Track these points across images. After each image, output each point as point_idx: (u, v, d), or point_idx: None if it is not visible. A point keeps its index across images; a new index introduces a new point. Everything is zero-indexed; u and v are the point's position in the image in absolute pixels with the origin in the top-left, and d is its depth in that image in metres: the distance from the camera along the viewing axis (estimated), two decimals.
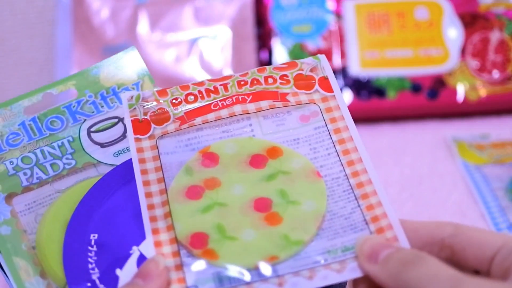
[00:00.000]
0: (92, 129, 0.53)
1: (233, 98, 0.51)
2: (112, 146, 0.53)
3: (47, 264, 0.48)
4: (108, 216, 0.49)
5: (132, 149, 0.50)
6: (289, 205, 0.47)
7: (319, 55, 0.53)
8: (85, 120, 0.53)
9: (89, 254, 0.47)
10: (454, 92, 0.91)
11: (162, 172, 0.49)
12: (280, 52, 0.92)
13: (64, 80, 0.53)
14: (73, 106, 0.53)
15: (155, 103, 0.51)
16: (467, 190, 0.79)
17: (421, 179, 0.81)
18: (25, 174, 0.51)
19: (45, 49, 0.96)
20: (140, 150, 0.50)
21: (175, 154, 0.50)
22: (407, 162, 0.85)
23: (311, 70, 0.52)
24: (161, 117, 0.51)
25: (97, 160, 0.52)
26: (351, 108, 0.90)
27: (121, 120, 0.54)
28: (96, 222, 0.48)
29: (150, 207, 0.47)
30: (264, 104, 0.51)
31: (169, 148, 0.50)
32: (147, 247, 0.47)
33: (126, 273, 0.46)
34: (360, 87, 0.91)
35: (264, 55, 0.93)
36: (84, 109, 0.54)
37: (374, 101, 0.91)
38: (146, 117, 0.51)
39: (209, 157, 0.49)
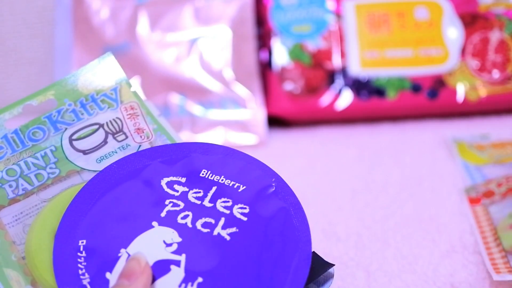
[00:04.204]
0: (73, 137, 0.53)
1: None
2: (94, 152, 0.53)
3: (37, 273, 0.49)
4: (94, 221, 0.49)
5: None
6: None
7: None
8: (66, 128, 0.53)
9: (79, 260, 0.48)
10: (454, 92, 0.91)
11: None
12: (280, 52, 0.92)
13: (43, 90, 0.54)
14: (54, 116, 0.53)
15: None
16: None
17: (421, 179, 0.81)
18: (10, 186, 0.51)
19: (45, 49, 0.96)
20: None
21: None
22: (407, 162, 0.84)
23: None
24: None
25: (81, 167, 0.52)
26: (351, 108, 0.91)
27: (101, 126, 0.54)
28: (83, 228, 0.49)
29: None
30: None
31: None
32: (134, 249, 0.48)
33: (115, 275, 0.47)
34: (360, 87, 0.91)
35: (264, 55, 0.93)
36: (65, 118, 0.54)
37: (374, 101, 0.91)
38: None
39: None
